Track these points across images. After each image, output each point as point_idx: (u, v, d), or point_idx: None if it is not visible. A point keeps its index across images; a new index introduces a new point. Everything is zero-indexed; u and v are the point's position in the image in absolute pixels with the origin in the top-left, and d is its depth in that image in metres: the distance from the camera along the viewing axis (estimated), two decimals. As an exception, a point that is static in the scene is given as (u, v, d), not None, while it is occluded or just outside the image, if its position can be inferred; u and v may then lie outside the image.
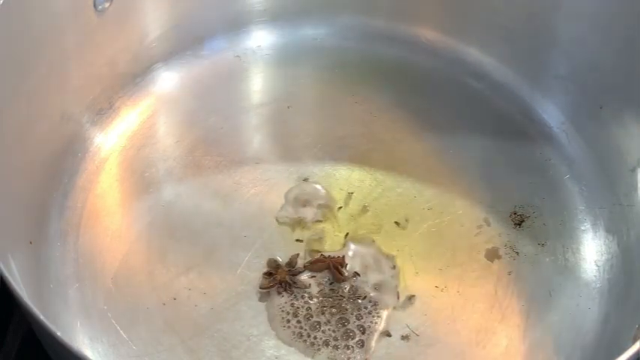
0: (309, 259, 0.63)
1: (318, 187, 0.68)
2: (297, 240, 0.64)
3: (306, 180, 0.68)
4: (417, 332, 0.60)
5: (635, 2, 0.63)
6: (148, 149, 0.70)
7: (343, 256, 0.63)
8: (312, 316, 0.61)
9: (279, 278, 0.62)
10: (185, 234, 0.65)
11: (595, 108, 0.68)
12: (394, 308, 0.61)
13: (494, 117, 0.73)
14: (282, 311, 0.61)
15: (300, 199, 0.67)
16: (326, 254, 0.63)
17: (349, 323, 0.60)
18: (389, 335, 0.60)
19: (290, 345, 0.59)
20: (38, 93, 0.62)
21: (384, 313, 0.61)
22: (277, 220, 0.66)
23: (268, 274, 0.62)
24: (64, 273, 0.62)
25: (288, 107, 0.73)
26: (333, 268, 0.62)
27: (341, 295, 0.62)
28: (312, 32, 0.78)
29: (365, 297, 0.62)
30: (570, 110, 0.71)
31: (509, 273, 0.64)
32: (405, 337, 0.60)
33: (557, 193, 0.68)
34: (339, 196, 0.67)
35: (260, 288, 0.62)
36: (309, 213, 0.66)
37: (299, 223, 0.65)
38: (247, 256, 0.64)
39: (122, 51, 0.70)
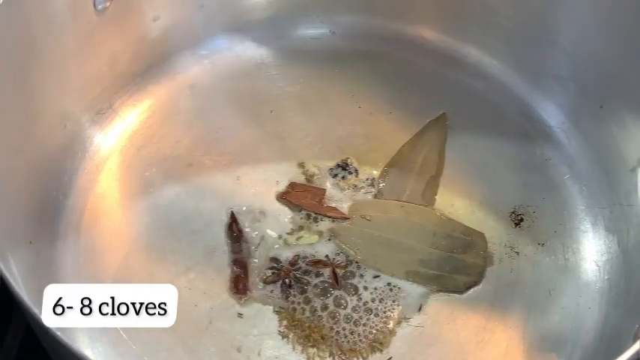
0: (311, 258, 0.63)
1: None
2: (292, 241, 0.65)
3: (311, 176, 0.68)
4: (417, 332, 0.60)
5: (635, 2, 0.63)
6: (147, 149, 0.70)
7: (346, 264, 0.63)
8: (314, 313, 0.61)
9: (283, 275, 0.62)
10: (185, 234, 0.65)
11: (595, 108, 0.68)
12: (394, 308, 0.61)
13: (494, 117, 0.73)
14: (284, 309, 0.61)
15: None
16: (331, 258, 0.63)
17: (349, 322, 0.60)
18: (389, 334, 0.60)
19: (290, 342, 0.59)
20: (38, 93, 0.62)
21: (385, 313, 0.61)
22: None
23: (271, 268, 0.62)
24: (64, 273, 0.62)
25: (288, 107, 0.73)
26: (332, 272, 0.62)
27: (342, 295, 0.62)
28: (312, 32, 0.78)
29: (364, 295, 0.62)
30: (570, 110, 0.71)
31: (510, 273, 0.64)
32: (405, 337, 0.60)
33: (557, 193, 0.68)
34: (339, 196, 0.67)
35: (264, 283, 0.62)
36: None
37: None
38: (247, 255, 0.64)
39: (122, 51, 0.70)
